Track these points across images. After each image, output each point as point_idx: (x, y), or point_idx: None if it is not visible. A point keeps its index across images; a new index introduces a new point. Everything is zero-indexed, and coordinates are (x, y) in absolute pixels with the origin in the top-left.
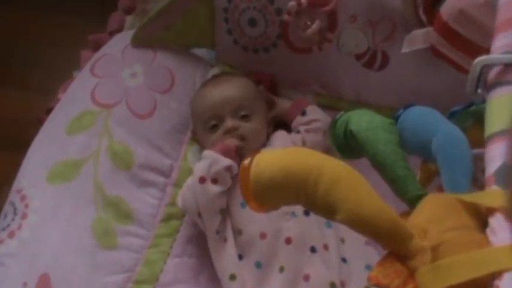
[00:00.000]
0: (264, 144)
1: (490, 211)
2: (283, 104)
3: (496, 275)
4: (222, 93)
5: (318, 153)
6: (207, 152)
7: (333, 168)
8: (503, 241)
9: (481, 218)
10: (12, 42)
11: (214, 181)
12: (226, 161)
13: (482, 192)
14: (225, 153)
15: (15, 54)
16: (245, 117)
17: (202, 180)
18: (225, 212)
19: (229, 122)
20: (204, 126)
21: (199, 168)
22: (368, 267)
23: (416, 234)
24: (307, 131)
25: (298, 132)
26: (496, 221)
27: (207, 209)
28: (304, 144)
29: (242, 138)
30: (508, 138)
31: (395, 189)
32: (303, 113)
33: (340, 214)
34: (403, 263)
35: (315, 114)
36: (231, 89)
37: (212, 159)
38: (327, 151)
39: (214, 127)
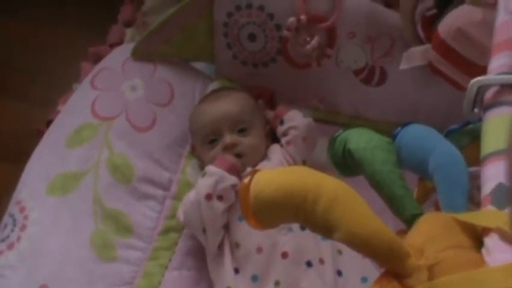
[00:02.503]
0: (262, 158)
1: (486, 231)
2: (269, 116)
3: None
4: (220, 109)
5: (317, 172)
6: (212, 169)
7: (332, 188)
8: (498, 261)
9: (477, 237)
10: (11, 54)
11: (220, 198)
12: (233, 179)
13: (478, 212)
14: (231, 170)
15: (15, 66)
16: (243, 132)
17: (208, 197)
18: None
19: (228, 138)
20: (202, 142)
21: (205, 184)
22: (364, 279)
23: (413, 253)
24: (287, 143)
25: (282, 145)
26: (492, 241)
27: (213, 225)
28: (290, 156)
29: (240, 155)
30: (507, 158)
31: (392, 208)
32: (281, 122)
33: (338, 233)
34: (400, 281)
35: (291, 121)
36: (229, 104)
37: (219, 177)
38: (315, 163)
39: (213, 142)
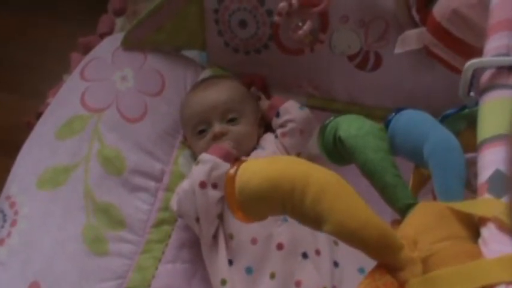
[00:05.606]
0: (254, 147)
1: (482, 221)
2: (264, 106)
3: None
4: (210, 98)
5: (305, 162)
6: (207, 156)
7: (320, 178)
8: (495, 252)
9: (474, 227)
10: (1, 45)
11: (215, 186)
12: (227, 166)
13: (474, 200)
14: (226, 157)
15: (5, 58)
16: (233, 121)
17: (203, 185)
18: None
19: (217, 127)
20: (192, 132)
21: (200, 172)
22: (361, 270)
23: (406, 245)
24: (282, 135)
25: (277, 136)
26: (488, 232)
27: (207, 214)
28: (284, 148)
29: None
30: (508, 145)
31: (385, 198)
32: (277, 114)
33: (327, 225)
34: (393, 274)
35: (288, 113)
36: (218, 93)
37: (213, 164)
38: (309, 154)
39: (203, 132)
